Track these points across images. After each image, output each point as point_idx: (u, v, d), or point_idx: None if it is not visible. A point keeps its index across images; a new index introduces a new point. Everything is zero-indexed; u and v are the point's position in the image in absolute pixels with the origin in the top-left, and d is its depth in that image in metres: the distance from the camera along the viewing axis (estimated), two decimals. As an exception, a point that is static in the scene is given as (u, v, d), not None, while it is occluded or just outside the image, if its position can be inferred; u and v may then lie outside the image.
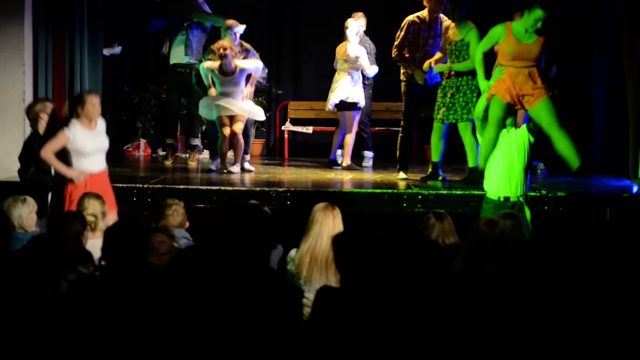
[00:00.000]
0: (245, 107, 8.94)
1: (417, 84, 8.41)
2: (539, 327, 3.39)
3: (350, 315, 3.36)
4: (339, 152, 10.08)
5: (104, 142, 6.63)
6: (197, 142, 10.27)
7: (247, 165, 9.19)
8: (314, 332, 3.44)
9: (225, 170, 8.94)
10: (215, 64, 8.92)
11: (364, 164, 10.21)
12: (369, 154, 10.35)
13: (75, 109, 6.45)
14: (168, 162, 10.12)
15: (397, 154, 8.72)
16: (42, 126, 6.64)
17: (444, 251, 3.55)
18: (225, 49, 8.77)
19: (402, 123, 8.60)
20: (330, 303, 3.44)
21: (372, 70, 9.73)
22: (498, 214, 5.13)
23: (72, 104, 6.54)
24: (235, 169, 8.95)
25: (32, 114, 6.72)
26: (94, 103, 6.48)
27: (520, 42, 6.82)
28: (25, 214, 5.63)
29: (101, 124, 6.62)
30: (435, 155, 8.30)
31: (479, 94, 7.49)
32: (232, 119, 8.90)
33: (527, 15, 6.75)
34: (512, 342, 3.37)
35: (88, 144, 6.46)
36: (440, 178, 8.32)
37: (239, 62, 8.89)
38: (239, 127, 8.88)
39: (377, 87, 10.39)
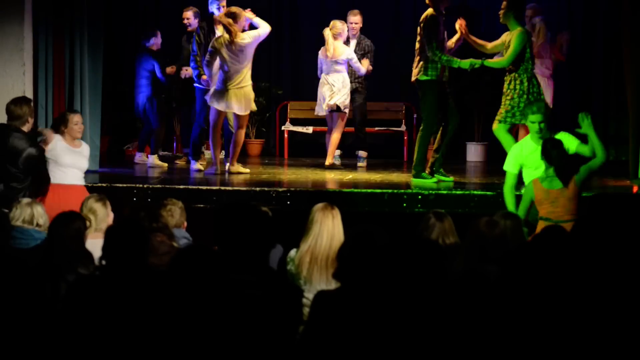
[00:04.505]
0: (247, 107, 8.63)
1: (445, 83, 8.14)
2: (538, 326, 3.40)
3: (347, 318, 3.36)
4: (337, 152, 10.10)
5: (82, 162, 7.01)
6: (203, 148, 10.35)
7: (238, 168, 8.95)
8: (311, 338, 3.44)
9: (228, 171, 8.78)
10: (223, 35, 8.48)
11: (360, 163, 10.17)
12: (364, 153, 10.30)
13: (59, 126, 6.96)
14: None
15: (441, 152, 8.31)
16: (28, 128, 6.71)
17: (444, 251, 3.55)
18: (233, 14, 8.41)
19: (443, 122, 8.20)
20: (327, 308, 3.44)
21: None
22: (498, 214, 5.11)
23: (56, 122, 7.12)
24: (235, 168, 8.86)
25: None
26: (76, 121, 6.96)
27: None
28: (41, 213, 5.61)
29: (86, 148, 7.11)
30: None
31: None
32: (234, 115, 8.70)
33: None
34: (512, 342, 3.37)
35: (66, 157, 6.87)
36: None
37: (244, 35, 8.45)
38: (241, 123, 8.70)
39: (378, 87, 10.37)
